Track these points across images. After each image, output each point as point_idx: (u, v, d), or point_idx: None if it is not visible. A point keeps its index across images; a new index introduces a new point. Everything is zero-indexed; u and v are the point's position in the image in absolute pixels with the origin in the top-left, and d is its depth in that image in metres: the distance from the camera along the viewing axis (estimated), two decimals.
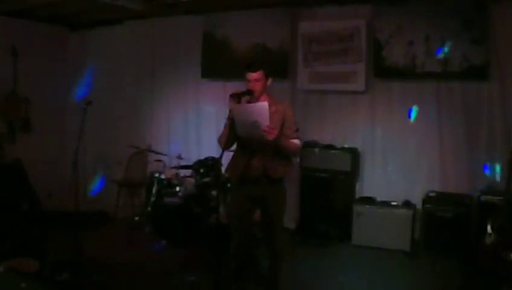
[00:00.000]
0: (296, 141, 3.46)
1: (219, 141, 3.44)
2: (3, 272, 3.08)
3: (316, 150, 5.47)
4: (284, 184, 3.54)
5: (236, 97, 3.25)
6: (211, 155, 5.41)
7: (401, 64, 5.12)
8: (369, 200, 5.28)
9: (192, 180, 5.49)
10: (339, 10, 5.49)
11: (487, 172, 4.86)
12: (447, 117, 5.07)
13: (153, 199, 5.45)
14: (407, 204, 5.10)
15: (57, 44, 6.98)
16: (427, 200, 4.90)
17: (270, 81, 3.44)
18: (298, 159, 5.36)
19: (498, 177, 4.77)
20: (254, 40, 5.81)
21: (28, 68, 6.34)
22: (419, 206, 5.00)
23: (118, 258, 4.70)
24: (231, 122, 3.27)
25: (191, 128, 6.45)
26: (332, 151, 5.44)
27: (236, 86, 4.03)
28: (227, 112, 3.43)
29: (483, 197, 4.61)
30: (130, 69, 6.72)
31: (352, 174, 5.41)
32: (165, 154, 5.85)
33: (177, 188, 5.45)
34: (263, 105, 3.14)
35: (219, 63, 6.05)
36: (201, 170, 5.24)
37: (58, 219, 5.40)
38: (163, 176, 5.61)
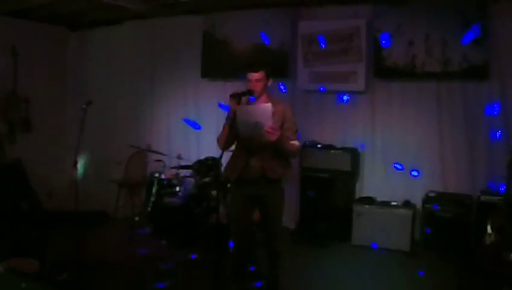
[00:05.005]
0: (296, 142, 3.46)
1: (218, 141, 3.44)
2: (3, 272, 3.08)
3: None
4: (282, 184, 3.54)
5: (236, 97, 3.26)
6: (211, 155, 5.41)
7: (401, 64, 5.12)
8: (369, 200, 5.28)
9: (192, 180, 5.49)
10: (338, 10, 5.49)
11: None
12: (447, 117, 5.07)
13: (153, 199, 5.45)
14: (407, 204, 5.11)
15: (57, 44, 6.98)
16: (427, 200, 4.91)
17: (270, 81, 3.44)
18: (298, 159, 5.36)
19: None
20: (254, 40, 5.82)
21: (28, 68, 6.33)
22: (419, 206, 5.00)
23: (118, 258, 4.70)
24: (231, 123, 3.27)
25: (191, 129, 6.44)
26: (332, 151, 5.44)
27: (236, 86, 4.04)
28: (227, 112, 3.44)
29: (483, 197, 4.62)
30: (130, 69, 6.72)
31: (352, 174, 5.41)
32: (165, 155, 5.85)
33: (177, 188, 5.45)
34: (266, 106, 3.16)
35: (219, 63, 6.05)
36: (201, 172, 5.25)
37: (58, 219, 5.40)
38: (163, 176, 5.61)
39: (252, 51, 5.81)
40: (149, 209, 5.44)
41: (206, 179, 5.23)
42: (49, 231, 5.04)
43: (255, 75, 3.34)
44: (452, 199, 4.81)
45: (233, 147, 3.55)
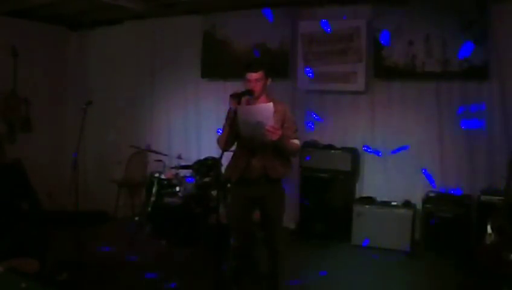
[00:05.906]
0: (296, 141, 3.47)
1: (218, 141, 3.44)
2: (3, 272, 3.08)
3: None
4: (282, 184, 3.54)
5: (236, 97, 3.26)
6: (210, 155, 5.41)
7: (401, 64, 5.12)
8: (369, 200, 5.28)
9: (192, 180, 5.48)
10: (339, 10, 5.49)
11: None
12: (447, 117, 5.07)
13: (153, 199, 5.44)
14: (407, 204, 5.10)
15: (57, 44, 6.98)
16: (427, 200, 4.90)
17: (269, 81, 3.44)
18: (298, 159, 5.36)
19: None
20: (254, 40, 5.81)
21: (28, 68, 6.33)
22: (419, 206, 5.00)
23: (118, 258, 4.70)
24: (231, 123, 3.27)
25: (191, 129, 6.44)
26: (332, 151, 5.44)
27: (236, 86, 4.03)
28: (227, 112, 3.44)
29: (483, 197, 4.61)
30: (130, 69, 6.72)
31: (352, 174, 5.41)
32: (165, 155, 5.85)
33: (177, 188, 5.45)
34: (268, 106, 3.16)
35: (219, 63, 6.05)
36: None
37: (58, 219, 5.40)
38: (163, 176, 5.61)
39: (252, 51, 5.80)
40: (149, 209, 5.43)
41: (206, 179, 5.23)
42: (49, 231, 5.04)
43: (253, 75, 3.34)
44: (452, 199, 4.81)
45: (233, 148, 3.55)
